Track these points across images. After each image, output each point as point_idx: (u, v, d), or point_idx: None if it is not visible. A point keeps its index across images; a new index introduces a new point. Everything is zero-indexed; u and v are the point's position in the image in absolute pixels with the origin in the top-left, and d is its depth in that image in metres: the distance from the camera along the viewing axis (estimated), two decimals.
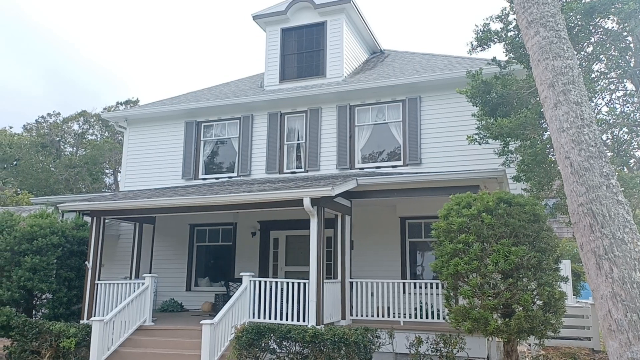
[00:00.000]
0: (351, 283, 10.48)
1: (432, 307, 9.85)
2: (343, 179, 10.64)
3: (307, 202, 9.18)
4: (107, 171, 37.67)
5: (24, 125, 40.08)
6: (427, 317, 9.82)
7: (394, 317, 10.01)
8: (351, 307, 10.41)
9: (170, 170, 14.73)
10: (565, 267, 13.50)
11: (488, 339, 8.94)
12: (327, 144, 13.32)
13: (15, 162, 37.43)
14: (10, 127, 40.90)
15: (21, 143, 37.81)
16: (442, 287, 8.79)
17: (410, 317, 9.97)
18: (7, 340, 11.09)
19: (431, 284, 9.89)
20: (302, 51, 14.48)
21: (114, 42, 71.45)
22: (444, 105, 12.43)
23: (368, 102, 13.15)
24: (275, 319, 9.35)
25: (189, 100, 15.19)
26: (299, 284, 9.46)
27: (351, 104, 13.25)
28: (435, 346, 8.49)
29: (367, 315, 10.23)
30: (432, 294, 9.89)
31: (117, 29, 72.38)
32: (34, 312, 11.68)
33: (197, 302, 13.70)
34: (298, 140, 13.80)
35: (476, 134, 10.11)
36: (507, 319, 7.64)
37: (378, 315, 10.14)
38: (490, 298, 7.69)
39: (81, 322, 10.58)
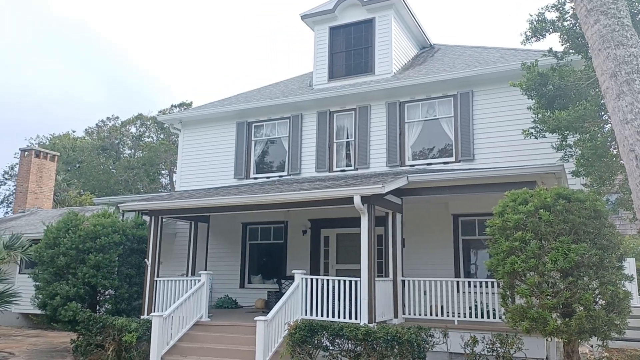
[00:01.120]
0: (403, 281, 10.39)
1: (487, 306, 9.62)
2: (393, 177, 10.56)
3: (357, 200, 9.16)
4: (163, 172, 39.00)
5: (86, 129, 42.13)
6: (482, 317, 9.60)
7: (447, 316, 9.85)
8: (404, 305, 10.32)
9: (222, 170, 15.07)
10: (630, 266, 12.83)
11: (547, 340, 8.65)
12: (377, 141, 13.25)
13: (78, 165, 39.42)
14: (73, 132, 43.10)
15: (83, 146, 39.78)
16: (498, 286, 8.57)
17: (464, 316, 9.78)
18: (73, 334, 11.69)
19: (486, 282, 9.65)
20: (351, 49, 14.46)
21: (166, 47, 73.80)
22: (498, 99, 12.08)
23: (418, 98, 12.97)
24: (328, 316, 9.40)
25: (239, 101, 15.48)
26: (350, 282, 9.46)
27: (401, 100, 13.11)
28: (491, 346, 8.29)
29: (420, 314, 10.11)
30: (487, 293, 9.66)
31: (169, 35, 74.70)
32: (97, 308, 12.26)
33: (251, 299, 13.96)
34: (347, 138, 13.79)
35: (532, 128, 9.77)
36: (567, 319, 7.36)
37: (431, 314, 10.00)
38: (549, 297, 7.43)
39: (142, 317, 11.00)
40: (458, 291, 10.07)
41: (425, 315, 10.05)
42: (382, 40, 13.98)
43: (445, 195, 10.53)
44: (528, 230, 7.66)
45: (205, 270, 13.31)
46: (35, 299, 12.20)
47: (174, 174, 37.85)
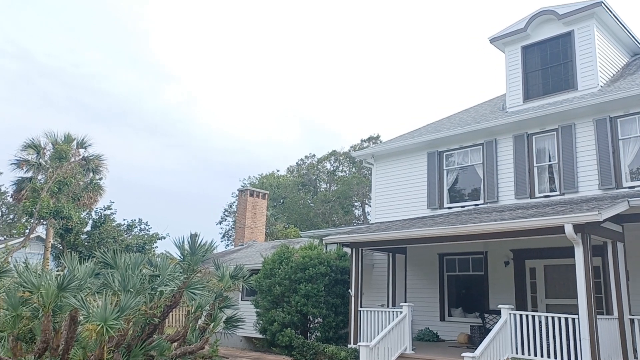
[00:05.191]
0: (632, 320, 9.12)
1: None
2: (610, 201, 9.47)
3: (569, 229, 8.42)
4: (355, 204, 40.77)
5: (288, 168, 46.51)
6: None
7: None
8: (635, 349, 9.03)
9: (415, 200, 15.17)
10: None
11: None
12: (585, 162, 12.04)
13: (282, 200, 43.51)
14: (277, 171, 47.92)
15: (286, 183, 43.93)
16: None
17: None
18: (288, 358, 12.77)
19: None
20: (547, 66, 13.55)
21: (351, 84, 77.93)
22: None
23: (633, 112, 11.50)
24: (542, 356, 8.70)
25: (429, 132, 15.55)
26: (566, 319, 8.64)
27: (611, 115, 11.78)
28: None
29: None
30: None
31: (354, 74, 78.79)
32: (308, 335, 13.23)
33: (451, 332, 13.60)
34: (549, 161, 12.80)
35: None
36: None
37: None
38: None
39: (348, 345, 11.54)
40: None
41: None
42: (583, 53, 12.83)
43: None
44: None
45: (405, 301, 13.44)
46: (257, 324, 13.69)
47: (366, 206, 39.30)
